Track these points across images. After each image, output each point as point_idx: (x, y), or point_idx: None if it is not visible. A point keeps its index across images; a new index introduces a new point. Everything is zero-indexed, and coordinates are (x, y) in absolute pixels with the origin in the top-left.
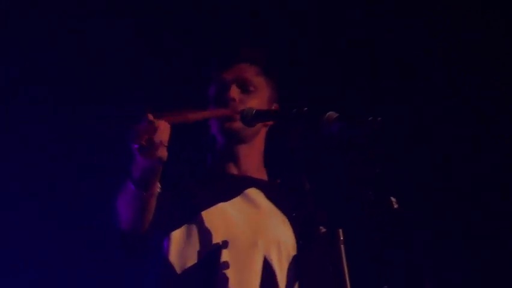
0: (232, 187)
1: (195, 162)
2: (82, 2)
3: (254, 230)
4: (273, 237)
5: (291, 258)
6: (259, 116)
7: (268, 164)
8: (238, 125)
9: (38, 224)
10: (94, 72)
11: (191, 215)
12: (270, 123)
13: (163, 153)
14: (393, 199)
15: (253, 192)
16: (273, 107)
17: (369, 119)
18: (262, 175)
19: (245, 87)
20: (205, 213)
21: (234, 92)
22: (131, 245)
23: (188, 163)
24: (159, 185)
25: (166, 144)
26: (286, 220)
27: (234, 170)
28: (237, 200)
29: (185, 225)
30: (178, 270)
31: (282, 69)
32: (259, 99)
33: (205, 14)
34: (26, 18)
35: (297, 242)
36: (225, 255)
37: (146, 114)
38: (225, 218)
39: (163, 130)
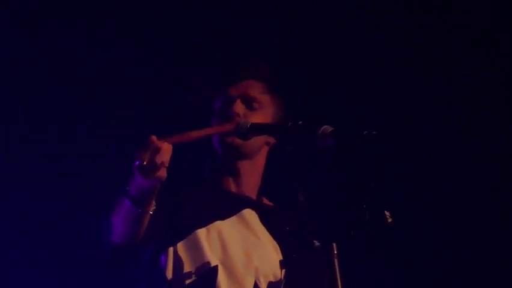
0: (229, 205)
1: (192, 173)
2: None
3: (247, 253)
4: (264, 262)
5: (280, 282)
6: (254, 129)
7: (265, 183)
8: (239, 140)
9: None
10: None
11: (189, 231)
12: (272, 141)
13: (163, 173)
14: (387, 213)
15: (248, 214)
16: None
17: (365, 132)
18: (259, 195)
19: (250, 104)
20: (202, 231)
21: (239, 107)
22: (122, 258)
23: (186, 174)
24: (154, 203)
25: (166, 165)
26: (277, 245)
27: (232, 187)
28: (232, 220)
29: (183, 241)
30: (175, 287)
31: (289, 85)
32: (262, 117)
33: (214, 28)
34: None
35: (287, 260)
36: (221, 277)
37: (150, 136)
38: (221, 237)
39: (165, 151)
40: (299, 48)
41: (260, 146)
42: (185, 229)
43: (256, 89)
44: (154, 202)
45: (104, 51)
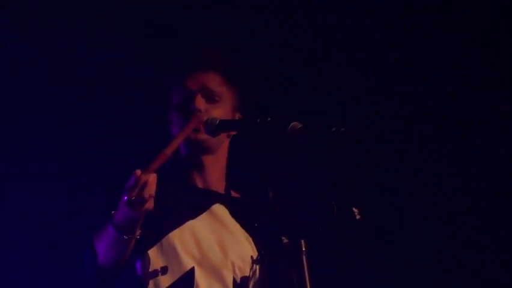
0: (198, 202)
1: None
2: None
3: (223, 249)
4: (239, 256)
5: (254, 276)
6: (224, 126)
7: (230, 175)
8: (203, 135)
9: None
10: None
11: (162, 234)
12: (233, 133)
13: (150, 205)
14: (355, 210)
15: (218, 209)
16: (237, 117)
17: (333, 129)
18: (225, 188)
19: (210, 97)
20: (175, 233)
21: (200, 102)
22: (109, 277)
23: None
24: (139, 230)
25: (153, 196)
26: (250, 238)
27: (198, 182)
28: (204, 217)
29: (158, 244)
30: None
31: (249, 76)
32: (223, 109)
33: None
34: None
35: (259, 254)
36: (198, 277)
37: (134, 172)
38: (195, 236)
39: (152, 183)
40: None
41: (222, 139)
42: (158, 232)
43: (214, 81)
44: (139, 229)
45: (104, 51)
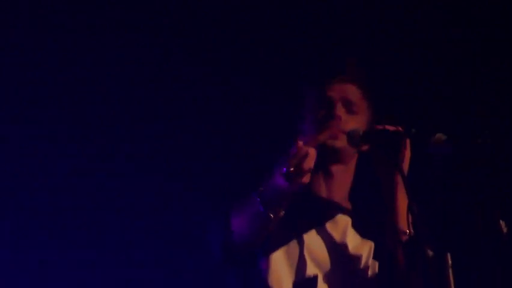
0: (322, 211)
1: None
2: None
3: (343, 261)
4: (362, 267)
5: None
6: (367, 136)
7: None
8: (340, 144)
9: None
10: None
11: (289, 238)
12: (364, 148)
13: (307, 179)
14: (502, 223)
15: (342, 220)
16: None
17: (479, 140)
18: (348, 203)
19: (350, 108)
20: (301, 239)
21: (340, 110)
22: (240, 257)
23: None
24: (283, 211)
25: (311, 170)
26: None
27: (323, 192)
28: (327, 226)
29: (284, 248)
30: None
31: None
32: (361, 122)
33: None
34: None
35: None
36: (320, 285)
37: (297, 141)
38: (320, 244)
39: (312, 157)
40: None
41: (355, 151)
42: (285, 235)
43: (355, 93)
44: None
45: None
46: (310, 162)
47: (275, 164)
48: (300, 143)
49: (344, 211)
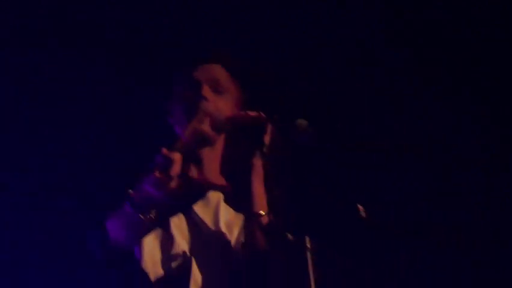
0: (194, 191)
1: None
2: None
3: (215, 236)
4: (234, 243)
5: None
6: (229, 121)
7: (227, 169)
8: (206, 127)
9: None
10: None
11: (159, 221)
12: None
13: (175, 184)
14: (360, 208)
15: (214, 196)
16: (241, 110)
17: (339, 129)
18: (222, 180)
19: (216, 88)
20: (172, 220)
21: (207, 92)
22: (116, 259)
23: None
24: (156, 212)
25: (178, 175)
26: (245, 226)
27: (193, 173)
28: (199, 204)
29: (155, 231)
30: (152, 277)
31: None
32: (229, 102)
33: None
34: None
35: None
36: (195, 263)
37: (161, 150)
38: (190, 222)
39: (178, 162)
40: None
41: (222, 132)
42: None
43: (221, 73)
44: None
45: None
46: (176, 169)
47: (143, 171)
48: (165, 150)
49: (215, 188)
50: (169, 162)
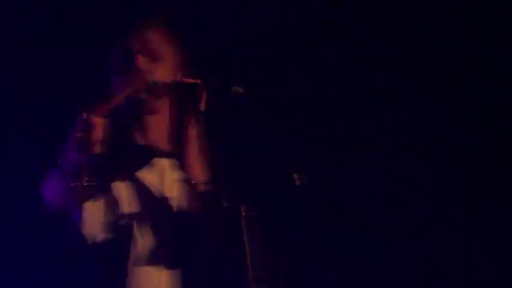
0: (139, 157)
1: None
2: None
3: (158, 200)
4: (176, 208)
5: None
6: (165, 88)
7: (175, 134)
8: (144, 95)
9: None
10: None
11: (101, 186)
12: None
13: (97, 149)
14: (295, 175)
15: (159, 163)
16: (178, 76)
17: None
18: (169, 146)
19: (151, 56)
20: (115, 185)
21: (141, 61)
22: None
23: None
24: (87, 178)
25: (100, 139)
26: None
27: (140, 140)
28: (144, 170)
29: (96, 196)
30: (91, 241)
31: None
32: (166, 68)
33: None
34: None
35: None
36: (136, 227)
37: (81, 114)
38: (135, 188)
39: (99, 126)
40: None
41: (165, 99)
42: (99, 186)
43: (156, 40)
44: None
45: None
46: (98, 133)
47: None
48: (84, 114)
49: (162, 154)
50: (89, 125)
